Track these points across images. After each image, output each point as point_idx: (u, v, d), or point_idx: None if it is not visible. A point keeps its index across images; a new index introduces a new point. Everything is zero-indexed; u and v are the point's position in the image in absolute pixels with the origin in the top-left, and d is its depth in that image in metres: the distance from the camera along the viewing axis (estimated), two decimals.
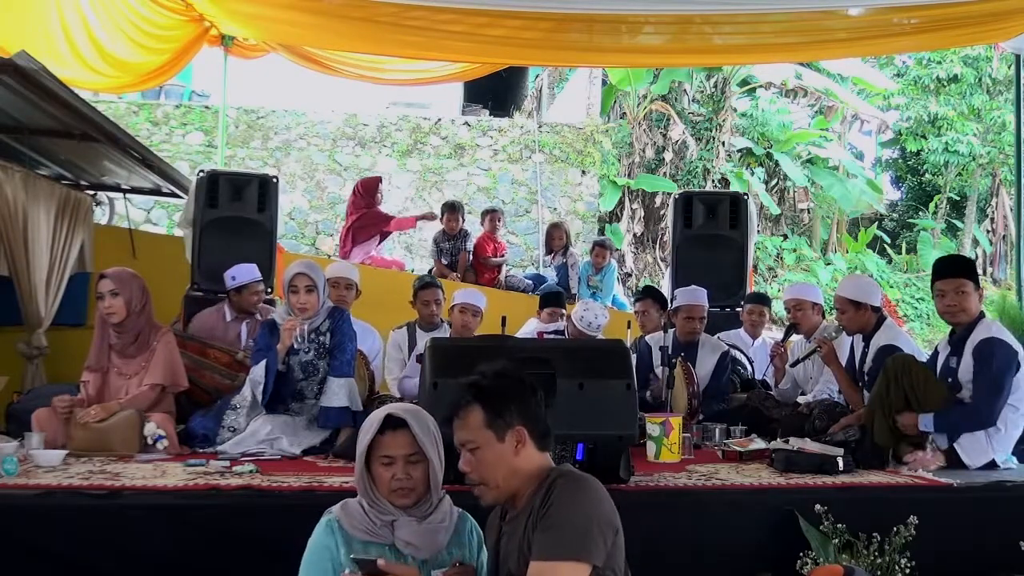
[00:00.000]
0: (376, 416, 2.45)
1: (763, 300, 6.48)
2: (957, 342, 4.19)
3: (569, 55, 8.11)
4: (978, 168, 16.94)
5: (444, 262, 8.61)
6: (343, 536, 2.38)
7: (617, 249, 14.21)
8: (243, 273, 5.36)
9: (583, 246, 12.17)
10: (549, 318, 6.36)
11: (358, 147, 12.83)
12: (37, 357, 5.76)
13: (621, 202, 14.55)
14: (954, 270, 4.25)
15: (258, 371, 4.30)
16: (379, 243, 8.76)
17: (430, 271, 8.53)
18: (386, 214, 8.80)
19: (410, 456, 2.39)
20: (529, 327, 6.38)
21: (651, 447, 4.16)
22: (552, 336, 5.85)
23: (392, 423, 2.41)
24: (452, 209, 8.69)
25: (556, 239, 9.18)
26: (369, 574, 2.26)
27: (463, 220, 8.68)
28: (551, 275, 9.10)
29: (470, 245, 8.59)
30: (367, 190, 8.65)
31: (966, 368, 4.09)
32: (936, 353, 4.38)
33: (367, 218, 8.46)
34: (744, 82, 15.78)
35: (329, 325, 4.43)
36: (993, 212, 17.22)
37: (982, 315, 4.21)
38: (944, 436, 4.05)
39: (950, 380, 4.16)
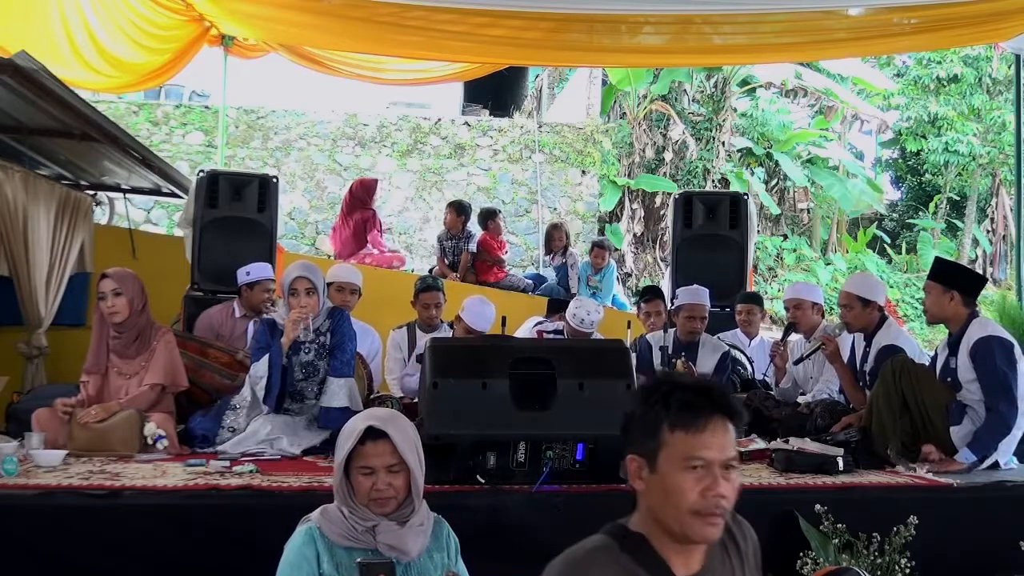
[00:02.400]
0: (356, 426, 2.39)
1: (754, 299, 6.45)
2: (953, 343, 4.21)
3: (569, 55, 8.11)
4: (978, 168, 16.93)
5: (446, 261, 8.61)
6: (325, 544, 2.34)
7: (617, 249, 14.21)
8: (258, 270, 5.37)
9: (583, 246, 12.16)
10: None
11: (358, 147, 12.84)
12: (37, 357, 5.76)
13: (621, 202, 14.55)
14: (929, 272, 4.36)
15: (260, 367, 4.26)
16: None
17: (431, 270, 8.54)
18: (373, 227, 8.72)
19: (392, 466, 2.35)
20: (528, 325, 6.37)
21: None
22: (552, 335, 5.85)
23: (373, 434, 2.35)
24: (456, 208, 8.67)
25: (556, 240, 9.17)
26: None
27: (467, 220, 8.66)
28: (551, 275, 9.10)
29: (472, 246, 8.58)
30: (366, 190, 8.66)
31: (964, 367, 4.12)
32: (936, 355, 4.40)
33: (359, 224, 8.48)
34: (744, 82, 15.78)
35: (329, 325, 4.42)
36: (993, 212, 17.20)
37: (974, 315, 4.22)
38: (974, 457, 4.05)
39: (949, 380, 4.17)
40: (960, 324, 4.19)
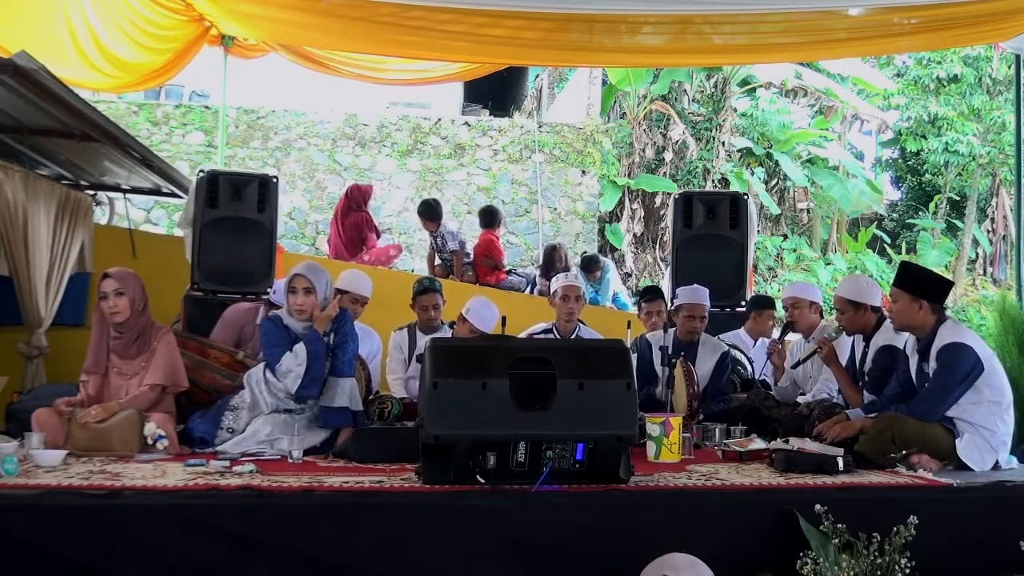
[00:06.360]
0: None
1: (771, 304, 6.48)
2: (923, 349, 4.22)
3: (569, 55, 8.10)
4: (978, 168, 16.91)
5: (436, 262, 8.62)
6: None
7: (617, 249, 14.21)
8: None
9: (582, 246, 12.18)
10: None
11: (358, 147, 12.84)
12: (37, 357, 5.76)
13: (621, 202, 14.54)
14: (896, 277, 4.34)
15: (290, 360, 4.25)
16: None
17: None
18: (370, 229, 8.67)
19: None
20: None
21: (651, 447, 4.16)
22: (542, 336, 5.84)
23: None
24: (420, 213, 8.62)
25: (557, 260, 9.09)
26: None
27: (436, 220, 8.53)
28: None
29: (452, 245, 8.53)
30: (362, 194, 8.66)
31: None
32: (907, 357, 4.40)
33: (354, 229, 8.46)
34: (744, 82, 15.77)
35: (332, 326, 4.43)
36: (993, 212, 17.19)
37: (942, 320, 4.20)
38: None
39: (927, 385, 4.17)
40: (928, 331, 4.18)
